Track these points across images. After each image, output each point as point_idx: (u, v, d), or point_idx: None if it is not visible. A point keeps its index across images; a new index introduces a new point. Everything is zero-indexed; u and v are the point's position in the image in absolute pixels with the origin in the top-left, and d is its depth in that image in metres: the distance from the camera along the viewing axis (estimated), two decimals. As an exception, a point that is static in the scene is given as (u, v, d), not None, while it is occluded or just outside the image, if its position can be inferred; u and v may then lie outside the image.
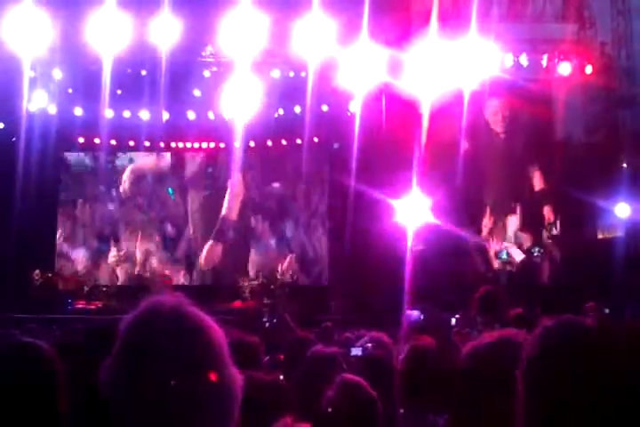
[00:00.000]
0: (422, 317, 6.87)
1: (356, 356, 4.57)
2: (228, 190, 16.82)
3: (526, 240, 14.83)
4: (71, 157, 17.15)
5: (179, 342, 1.50)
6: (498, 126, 14.84)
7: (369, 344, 4.90)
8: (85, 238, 17.23)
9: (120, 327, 1.56)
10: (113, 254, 16.96)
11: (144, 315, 1.55)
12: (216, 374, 1.54)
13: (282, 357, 4.86)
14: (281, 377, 3.28)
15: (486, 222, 15.10)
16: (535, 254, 14.42)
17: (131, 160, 17.11)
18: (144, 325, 1.54)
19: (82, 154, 17.06)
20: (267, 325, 10.15)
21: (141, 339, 1.52)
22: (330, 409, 2.98)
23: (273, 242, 17.30)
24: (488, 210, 15.00)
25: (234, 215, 17.01)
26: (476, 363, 2.16)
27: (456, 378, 2.24)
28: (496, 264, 14.89)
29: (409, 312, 7.11)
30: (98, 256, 17.03)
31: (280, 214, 17.26)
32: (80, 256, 17.01)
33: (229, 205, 16.85)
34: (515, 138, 14.75)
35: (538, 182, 14.65)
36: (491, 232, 15.03)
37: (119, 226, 17.23)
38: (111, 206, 17.22)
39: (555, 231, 14.54)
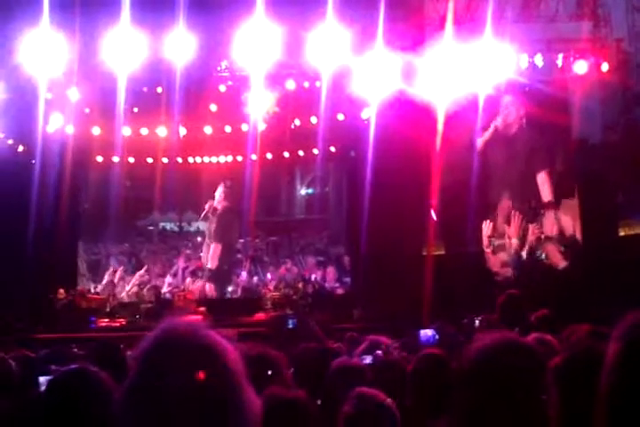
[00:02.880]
0: (437, 336, 6.89)
1: (367, 364, 4.60)
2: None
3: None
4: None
5: (195, 367, 1.50)
6: (509, 123, 14.71)
7: (379, 352, 4.93)
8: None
9: (136, 351, 1.58)
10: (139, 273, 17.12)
11: (161, 339, 1.56)
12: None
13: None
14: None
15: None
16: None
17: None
18: (161, 349, 1.54)
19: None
20: (291, 331, 10.13)
21: (158, 363, 1.52)
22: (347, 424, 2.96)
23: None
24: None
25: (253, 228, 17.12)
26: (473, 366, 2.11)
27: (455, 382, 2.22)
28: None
29: (423, 331, 7.13)
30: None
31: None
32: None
33: (249, 219, 16.92)
34: (525, 137, 14.64)
35: (544, 185, 14.53)
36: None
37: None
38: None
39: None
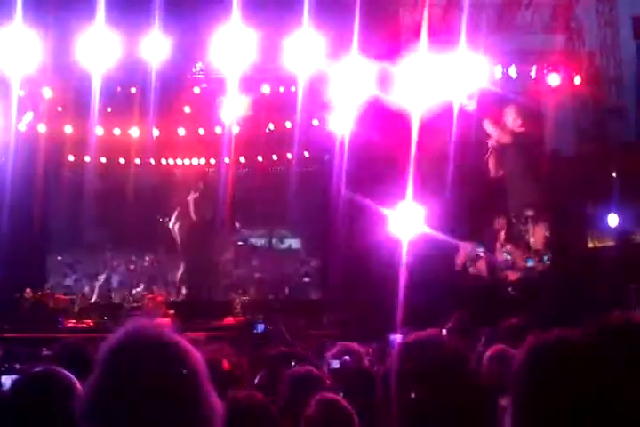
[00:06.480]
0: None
1: (334, 368, 4.61)
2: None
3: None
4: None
5: (161, 368, 1.51)
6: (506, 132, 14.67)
7: (347, 357, 4.93)
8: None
9: (100, 352, 1.57)
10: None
11: (127, 340, 1.56)
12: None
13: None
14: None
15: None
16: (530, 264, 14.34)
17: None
18: (127, 350, 1.54)
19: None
20: (259, 335, 10.10)
21: (124, 364, 1.51)
22: None
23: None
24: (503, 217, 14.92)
25: (225, 231, 17.02)
26: None
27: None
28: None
29: (393, 337, 7.18)
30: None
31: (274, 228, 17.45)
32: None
33: (221, 221, 16.82)
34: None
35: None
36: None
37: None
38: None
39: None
